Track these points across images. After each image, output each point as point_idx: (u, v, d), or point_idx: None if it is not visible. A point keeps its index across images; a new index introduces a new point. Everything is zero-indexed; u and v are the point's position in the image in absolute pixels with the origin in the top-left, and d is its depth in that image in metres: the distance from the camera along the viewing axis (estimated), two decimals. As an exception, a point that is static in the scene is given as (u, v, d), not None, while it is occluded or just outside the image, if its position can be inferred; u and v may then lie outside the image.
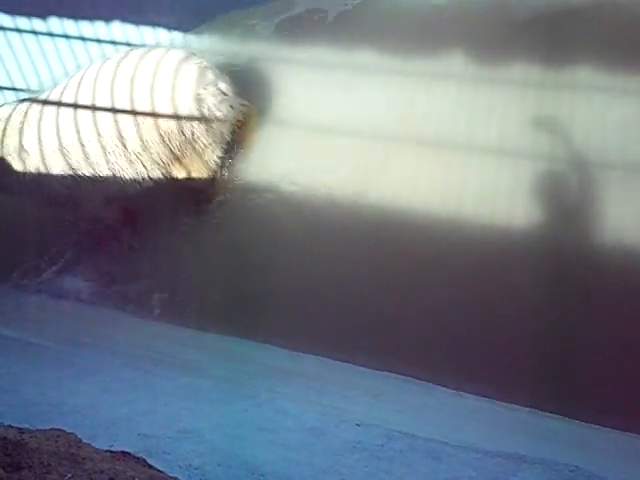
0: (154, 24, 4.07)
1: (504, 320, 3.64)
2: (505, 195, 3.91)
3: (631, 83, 3.91)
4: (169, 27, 4.15)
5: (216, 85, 3.94)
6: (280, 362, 3.69)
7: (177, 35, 4.43)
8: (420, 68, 4.35)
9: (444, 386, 3.51)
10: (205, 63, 3.97)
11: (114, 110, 3.82)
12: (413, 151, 4.15)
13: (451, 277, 3.82)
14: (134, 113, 3.82)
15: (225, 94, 3.98)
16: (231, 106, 4.01)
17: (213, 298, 4.10)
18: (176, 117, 3.85)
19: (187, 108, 3.86)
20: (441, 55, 4.33)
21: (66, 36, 4.63)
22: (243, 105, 4.12)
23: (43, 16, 4.58)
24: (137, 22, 4.16)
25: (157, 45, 4.03)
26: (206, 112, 3.90)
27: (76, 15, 4.60)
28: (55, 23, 4.62)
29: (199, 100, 3.88)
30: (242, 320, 3.98)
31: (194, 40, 4.71)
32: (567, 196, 3.84)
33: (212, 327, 3.98)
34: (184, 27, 4.61)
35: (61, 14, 4.58)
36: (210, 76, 3.94)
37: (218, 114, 3.95)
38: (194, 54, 4.00)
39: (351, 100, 4.38)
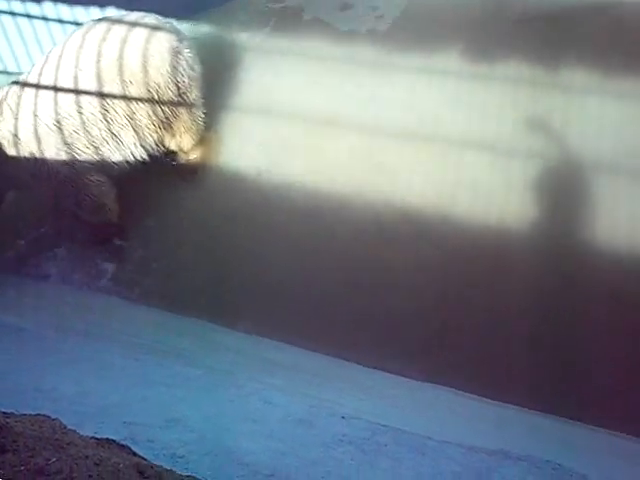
0: (146, 10, 4.04)
1: (492, 318, 3.66)
2: (499, 192, 3.92)
3: (625, 84, 3.93)
4: (161, 15, 4.13)
5: (185, 48, 4.06)
6: (269, 353, 3.70)
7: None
8: (416, 65, 4.35)
9: (431, 382, 3.54)
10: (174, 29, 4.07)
11: (99, 79, 3.83)
12: (408, 147, 4.16)
13: (443, 274, 3.84)
14: (120, 79, 3.85)
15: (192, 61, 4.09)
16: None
17: (204, 288, 4.11)
18: (161, 74, 3.92)
19: (166, 65, 3.94)
20: (437, 52, 4.33)
21: (60, 20, 4.60)
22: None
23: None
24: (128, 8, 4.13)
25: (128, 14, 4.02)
26: (184, 66, 4.01)
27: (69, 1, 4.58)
28: (49, 6, 4.59)
29: (176, 58, 3.98)
30: (233, 310, 3.99)
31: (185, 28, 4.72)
32: (560, 194, 3.85)
33: (203, 316, 3.99)
34: (176, 16, 4.61)
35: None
36: (180, 40, 4.05)
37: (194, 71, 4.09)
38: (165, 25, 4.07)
39: (345, 95, 4.38)
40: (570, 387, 3.41)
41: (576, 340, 3.51)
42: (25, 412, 1.89)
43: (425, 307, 3.78)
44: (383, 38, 4.48)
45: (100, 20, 4.01)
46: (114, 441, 1.87)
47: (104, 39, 3.86)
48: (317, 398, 2.92)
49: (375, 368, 3.62)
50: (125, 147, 3.99)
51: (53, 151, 3.84)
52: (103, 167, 4.00)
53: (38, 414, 1.86)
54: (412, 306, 3.80)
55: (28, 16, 4.54)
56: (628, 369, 3.41)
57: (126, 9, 4.11)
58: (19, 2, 4.52)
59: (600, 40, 4.05)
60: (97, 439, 1.84)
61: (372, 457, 2.35)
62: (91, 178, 3.99)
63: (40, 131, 3.81)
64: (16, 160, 3.86)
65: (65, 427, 1.80)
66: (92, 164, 3.95)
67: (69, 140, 3.85)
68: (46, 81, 3.84)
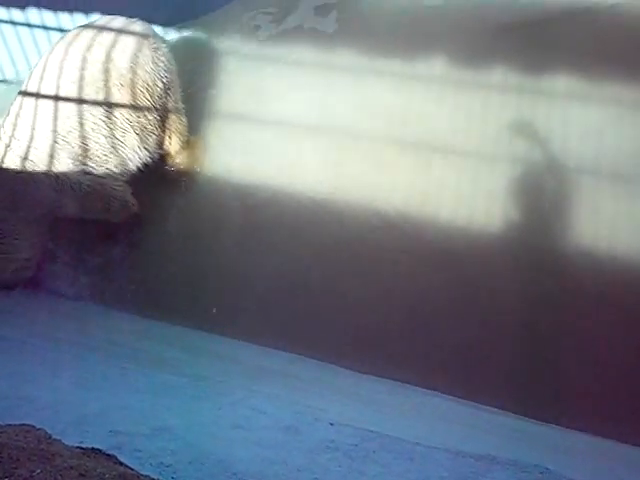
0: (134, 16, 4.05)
1: (478, 322, 3.68)
2: (483, 197, 3.94)
3: (607, 90, 3.97)
4: (151, 22, 4.14)
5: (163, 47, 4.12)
6: (256, 360, 3.68)
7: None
8: (401, 70, 4.36)
9: (418, 387, 3.54)
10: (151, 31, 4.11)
11: (90, 87, 3.82)
12: (392, 153, 4.17)
13: (428, 278, 3.84)
14: (110, 83, 3.86)
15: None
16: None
17: (190, 295, 4.09)
18: (147, 71, 3.96)
19: (149, 63, 3.98)
20: (422, 59, 4.35)
21: (44, 27, 4.57)
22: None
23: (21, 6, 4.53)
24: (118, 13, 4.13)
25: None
26: (165, 63, 4.07)
27: (55, 7, 4.56)
28: (34, 14, 4.57)
29: (156, 55, 4.02)
30: (219, 318, 3.97)
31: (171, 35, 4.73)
32: (543, 199, 3.88)
33: (188, 323, 3.97)
34: (163, 24, 4.62)
35: (40, 5, 4.54)
36: (156, 39, 4.10)
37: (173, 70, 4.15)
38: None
39: (329, 102, 4.39)
40: (557, 392, 3.42)
41: (562, 345, 3.54)
42: (9, 421, 1.86)
43: (411, 312, 3.79)
44: (368, 45, 4.49)
45: (78, 28, 4.00)
46: (100, 451, 1.85)
47: (88, 48, 3.85)
48: (305, 405, 2.91)
49: (362, 373, 3.61)
50: (130, 151, 4.02)
51: (68, 164, 3.83)
52: (117, 172, 4.03)
53: (23, 424, 1.83)
54: (398, 311, 3.80)
55: (12, 23, 4.52)
56: (613, 373, 3.43)
57: (111, 15, 4.08)
58: (3, 9, 4.49)
59: (582, 47, 4.09)
60: (83, 449, 1.81)
61: (360, 464, 2.34)
62: (113, 183, 4.02)
63: (51, 147, 3.79)
64: (37, 180, 3.83)
65: (50, 437, 1.77)
66: (107, 170, 3.98)
67: (80, 151, 3.84)
68: (46, 94, 3.83)
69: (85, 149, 3.86)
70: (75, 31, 3.97)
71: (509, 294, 3.71)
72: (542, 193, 3.89)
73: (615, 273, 3.64)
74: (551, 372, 3.48)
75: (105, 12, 4.17)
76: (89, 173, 3.92)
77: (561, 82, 4.06)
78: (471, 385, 3.53)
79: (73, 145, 3.83)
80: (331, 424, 2.59)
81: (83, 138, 3.84)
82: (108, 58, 3.86)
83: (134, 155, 4.04)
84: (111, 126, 3.90)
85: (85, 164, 3.89)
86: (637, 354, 3.46)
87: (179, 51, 4.36)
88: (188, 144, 4.36)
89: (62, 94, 3.81)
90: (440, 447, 2.49)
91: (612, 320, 3.55)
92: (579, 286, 3.64)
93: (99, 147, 3.89)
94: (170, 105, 4.14)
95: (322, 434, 2.52)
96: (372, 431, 2.55)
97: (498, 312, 3.69)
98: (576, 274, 3.67)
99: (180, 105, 4.25)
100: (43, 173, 3.80)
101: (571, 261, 3.71)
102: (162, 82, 4.03)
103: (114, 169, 4.00)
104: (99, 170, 3.95)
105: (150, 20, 4.16)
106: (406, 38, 4.44)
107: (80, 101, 3.82)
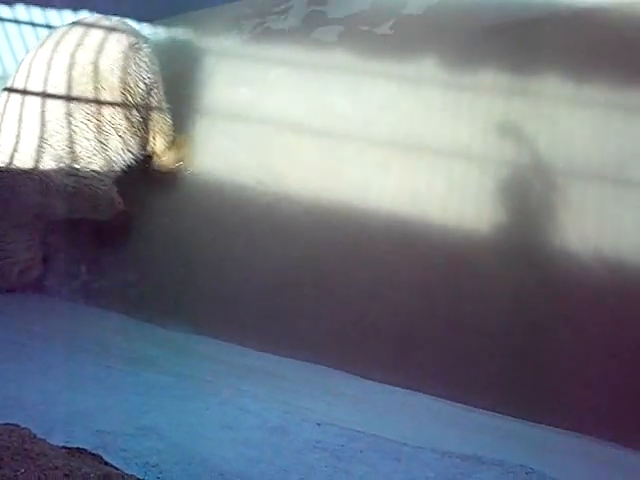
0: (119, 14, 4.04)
1: (464, 322, 3.69)
2: (472, 198, 3.95)
3: (596, 92, 4.00)
4: (136, 19, 4.14)
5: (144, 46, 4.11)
6: (243, 360, 3.68)
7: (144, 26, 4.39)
8: (391, 71, 4.37)
9: (405, 387, 3.55)
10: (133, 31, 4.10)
11: (74, 90, 3.81)
12: (381, 154, 4.18)
13: (415, 278, 3.85)
14: (93, 87, 3.85)
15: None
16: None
17: (177, 295, 4.08)
18: (129, 73, 3.96)
19: (131, 64, 3.98)
20: (412, 60, 4.36)
21: (32, 24, 4.55)
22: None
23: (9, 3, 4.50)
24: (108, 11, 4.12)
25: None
26: (147, 63, 4.07)
27: (41, 4, 4.53)
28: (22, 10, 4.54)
29: (137, 54, 4.02)
30: (206, 318, 3.96)
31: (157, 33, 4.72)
32: (531, 200, 3.90)
33: (176, 324, 3.96)
34: (149, 20, 4.61)
35: (28, 2, 4.51)
36: (137, 38, 4.09)
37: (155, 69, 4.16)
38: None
39: (318, 100, 4.39)
40: (543, 392, 3.44)
41: (549, 346, 3.55)
42: (-6, 420, 1.84)
43: (399, 313, 3.79)
44: (357, 46, 4.50)
45: (66, 27, 3.98)
46: (85, 450, 1.84)
47: (70, 49, 3.84)
48: (291, 404, 2.90)
49: (350, 373, 3.62)
50: (114, 154, 4.00)
51: (52, 166, 3.80)
52: (102, 174, 4.01)
53: (7, 423, 1.81)
54: (386, 312, 3.81)
55: (0, 19, 4.49)
56: (600, 374, 3.46)
57: (96, 12, 4.06)
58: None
59: (571, 48, 4.12)
60: (68, 448, 1.80)
61: (347, 464, 2.34)
62: (99, 184, 3.99)
63: (35, 151, 3.77)
64: (21, 185, 3.80)
65: (35, 436, 1.75)
66: (92, 172, 3.95)
67: (63, 154, 3.82)
68: (29, 98, 3.80)
69: (69, 151, 3.84)
70: (59, 31, 3.96)
71: (497, 295, 3.73)
72: (530, 194, 3.91)
73: (603, 274, 3.66)
74: (538, 372, 3.50)
75: (90, 10, 4.14)
76: (73, 174, 3.88)
77: (549, 83, 4.08)
78: (458, 385, 3.54)
79: (56, 148, 3.81)
80: (318, 424, 2.59)
81: (67, 140, 3.83)
82: (90, 60, 3.87)
83: (118, 156, 4.03)
84: (95, 128, 3.88)
85: (69, 166, 3.87)
86: (624, 355, 3.48)
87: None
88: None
89: (46, 97, 3.79)
90: (426, 447, 2.50)
91: (601, 321, 3.58)
92: (567, 287, 3.67)
93: (82, 149, 3.87)
94: (154, 105, 4.14)
95: (309, 434, 2.52)
96: (359, 431, 2.55)
97: (486, 313, 3.70)
98: (565, 275, 3.70)
99: (164, 105, 4.24)
100: (27, 177, 3.77)
101: (559, 262, 3.74)
102: (144, 83, 4.03)
103: (99, 170, 3.98)
104: (83, 171, 3.91)
105: (135, 17, 4.14)
106: (396, 39, 4.45)
107: (64, 103, 3.80)
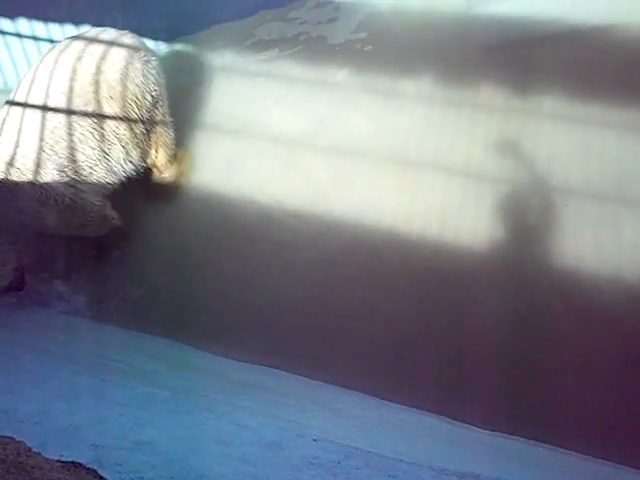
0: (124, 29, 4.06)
1: (462, 340, 3.68)
2: (469, 216, 3.96)
3: (591, 110, 4.02)
4: (142, 35, 4.15)
5: (153, 60, 4.11)
6: (239, 375, 3.66)
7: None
8: (389, 88, 4.39)
9: (402, 403, 3.53)
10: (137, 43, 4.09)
11: (80, 98, 3.80)
12: (378, 170, 4.19)
13: (412, 295, 3.85)
14: (100, 96, 3.83)
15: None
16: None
17: (174, 309, 4.07)
18: (137, 84, 3.94)
19: (140, 76, 3.97)
20: (409, 76, 4.38)
21: (34, 37, 4.57)
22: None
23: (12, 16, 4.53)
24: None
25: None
26: (154, 77, 4.06)
27: (45, 17, 4.56)
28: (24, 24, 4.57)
29: (146, 67, 4.01)
30: (203, 332, 3.95)
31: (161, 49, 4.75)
32: (529, 219, 3.91)
33: (173, 337, 3.95)
34: (154, 38, 4.63)
35: (30, 15, 4.54)
36: (147, 52, 4.09)
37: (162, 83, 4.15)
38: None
39: (319, 116, 4.41)
40: (540, 410, 3.43)
41: (547, 364, 3.55)
42: (-12, 434, 1.83)
43: (393, 328, 3.79)
44: (355, 62, 4.52)
45: (67, 40, 3.99)
46: (80, 464, 1.83)
47: (78, 59, 3.85)
48: (288, 420, 2.89)
49: (346, 389, 3.60)
50: (116, 164, 3.97)
51: (54, 175, 3.79)
52: (100, 186, 3.97)
53: (2, 436, 1.81)
54: (382, 328, 3.80)
55: (2, 32, 4.51)
56: (599, 391, 3.45)
57: (102, 27, 4.08)
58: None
59: (568, 67, 4.14)
60: (63, 462, 1.79)
61: (343, 481, 2.32)
62: (93, 198, 3.95)
63: (38, 156, 3.76)
64: (21, 189, 3.78)
65: (30, 450, 1.75)
66: (90, 184, 3.92)
67: (66, 162, 3.81)
68: (34, 103, 3.80)
69: (72, 160, 3.82)
70: (65, 42, 3.96)
71: (495, 312, 3.72)
72: (528, 212, 3.92)
73: (599, 292, 3.66)
74: (535, 390, 3.49)
75: (96, 24, 4.16)
76: (73, 186, 3.85)
77: (547, 102, 4.11)
78: (455, 402, 3.53)
79: (60, 155, 3.78)
80: (314, 440, 2.58)
81: (71, 149, 3.81)
82: (98, 70, 3.84)
83: (120, 168, 4.00)
84: (99, 138, 3.87)
85: (71, 176, 3.84)
86: (621, 371, 3.47)
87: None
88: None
89: (51, 104, 3.79)
90: (423, 464, 2.49)
91: (596, 338, 3.57)
92: (564, 305, 3.66)
93: (85, 159, 3.85)
94: (158, 118, 4.13)
95: (305, 450, 2.51)
96: (356, 448, 2.53)
97: (483, 330, 3.70)
98: (561, 293, 3.69)
99: (168, 119, 4.24)
100: (28, 182, 3.76)
101: (556, 280, 3.74)
102: (151, 95, 4.02)
103: (98, 182, 3.94)
104: (83, 183, 3.88)
105: (141, 33, 4.15)
106: (395, 56, 4.47)
107: (69, 112, 3.80)
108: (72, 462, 1.83)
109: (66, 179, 3.82)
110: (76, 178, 3.85)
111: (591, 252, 3.74)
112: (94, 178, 3.92)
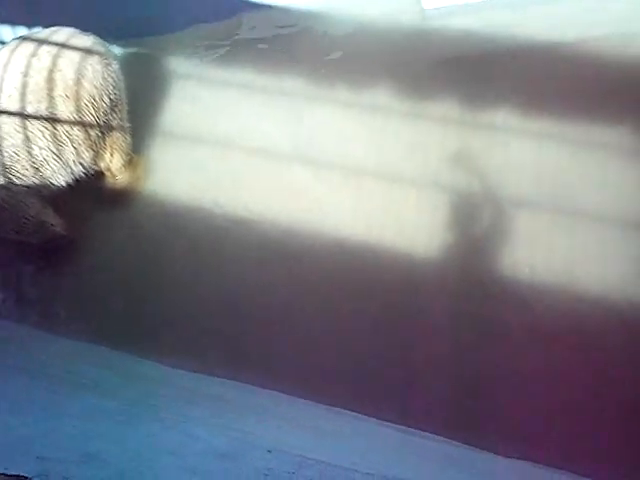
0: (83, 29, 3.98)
1: (414, 349, 3.72)
2: (424, 227, 4.01)
3: (543, 123, 4.12)
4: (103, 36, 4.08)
5: (114, 63, 4.04)
6: (192, 385, 3.61)
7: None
8: (345, 99, 4.42)
9: (357, 412, 3.54)
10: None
11: (34, 96, 3.69)
12: (334, 180, 4.20)
13: (367, 305, 3.87)
14: (55, 94, 3.73)
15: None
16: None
17: (123, 318, 4.00)
18: (95, 86, 3.85)
19: (99, 78, 3.89)
20: (366, 88, 4.42)
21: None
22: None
23: None
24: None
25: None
26: (114, 80, 3.99)
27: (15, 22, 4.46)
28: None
29: (107, 70, 3.94)
30: (152, 341, 3.89)
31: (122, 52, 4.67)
32: (481, 229, 3.98)
33: (122, 347, 3.87)
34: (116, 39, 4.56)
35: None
36: (108, 54, 4.03)
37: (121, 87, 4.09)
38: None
39: (272, 124, 4.40)
40: (491, 418, 3.49)
41: (497, 372, 3.61)
42: None
43: (348, 337, 3.80)
44: (314, 72, 4.54)
45: (26, 37, 3.89)
46: (26, 477, 1.77)
47: (34, 55, 3.74)
48: (241, 431, 2.86)
49: (299, 398, 3.59)
50: (65, 166, 3.86)
51: None
52: (41, 188, 3.84)
53: (-57, 449, 1.73)
54: (332, 336, 3.81)
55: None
56: (549, 401, 3.52)
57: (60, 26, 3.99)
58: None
59: (522, 82, 4.24)
60: (7, 475, 1.73)
61: (297, 491, 2.31)
62: (28, 201, 3.81)
63: None
64: None
65: (-28, 463, 1.68)
66: (29, 186, 3.79)
67: (8, 162, 3.69)
68: None
69: (16, 160, 3.70)
70: (25, 38, 3.86)
71: (446, 322, 3.77)
72: (480, 222, 3.99)
73: (551, 304, 3.74)
74: (486, 399, 3.54)
75: (57, 24, 4.05)
76: (7, 188, 3.71)
77: (501, 115, 4.19)
78: (406, 411, 3.56)
79: (4, 154, 3.68)
80: (269, 451, 2.55)
81: (16, 147, 3.70)
82: (56, 67, 3.75)
83: (69, 169, 3.89)
84: (49, 137, 3.76)
85: (9, 176, 3.71)
86: (574, 381, 3.55)
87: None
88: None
89: (2, 99, 3.67)
90: (377, 474, 2.49)
91: (545, 349, 3.65)
92: (516, 317, 3.73)
93: (31, 158, 3.74)
94: (115, 122, 4.03)
95: (259, 461, 2.48)
96: (310, 458, 2.52)
97: (433, 340, 3.74)
98: (512, 304, 3.76)
99: (126, 123, 4.15)
100: None
101: (508, 290, 3.80)
102: (109, 98, 3.93)
103: (40, 183, 3.81)
104: (22, 185, 3.74)
105: (102, 35, 4.07)
106: (352, 67, 4.51)
107: (20, 108, 3.69)
108: (17, 476, 1.77)
109: (2, 179, 3.70)
110: (14, 179, 3.73)
111: (543, 262, 3.82)
112: (37, 179, 3.80)
